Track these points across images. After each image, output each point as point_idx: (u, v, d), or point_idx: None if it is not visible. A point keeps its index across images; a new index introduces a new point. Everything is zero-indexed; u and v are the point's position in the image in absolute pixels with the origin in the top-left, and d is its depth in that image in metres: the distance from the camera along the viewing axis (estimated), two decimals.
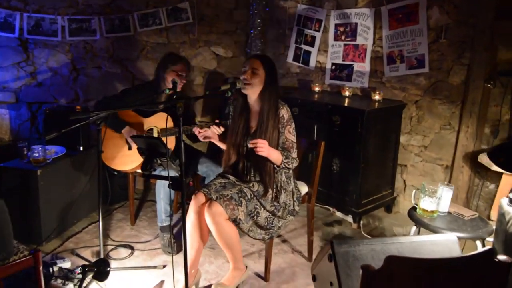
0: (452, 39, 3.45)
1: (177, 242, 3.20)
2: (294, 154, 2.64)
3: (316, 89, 4.22)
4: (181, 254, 3.10)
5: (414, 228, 2.26)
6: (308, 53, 4.53)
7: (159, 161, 2.31)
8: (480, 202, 3.42)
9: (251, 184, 2.64)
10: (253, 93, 2.62)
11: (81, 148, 3.53)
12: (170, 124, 3.18)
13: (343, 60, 4.22)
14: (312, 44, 4.48)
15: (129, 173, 3.42)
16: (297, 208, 2.76)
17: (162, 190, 3.08)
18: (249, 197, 2.56)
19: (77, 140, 3.51)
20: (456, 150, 3.43)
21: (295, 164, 2.64)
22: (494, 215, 2.48)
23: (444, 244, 1.67)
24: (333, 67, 4.30)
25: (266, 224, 2.61)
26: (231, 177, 2.73)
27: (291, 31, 4.68)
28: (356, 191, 3.56)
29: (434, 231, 2.19)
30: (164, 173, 2.79)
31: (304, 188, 2.95)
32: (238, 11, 4.85)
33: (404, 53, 3.73)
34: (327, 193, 3.75)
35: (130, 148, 3.17)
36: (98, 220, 2.74)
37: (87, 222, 3.60)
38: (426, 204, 2.21)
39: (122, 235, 3.41)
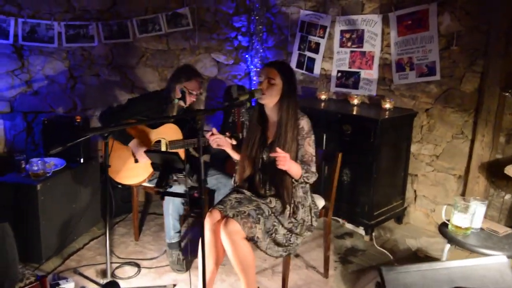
0: (464, 46, 3.38)
1: (186, 259, 3.05)
2: (313, 168, 2.51)
3: (323, 97, 4.12)
4: (191, 272, 2.96)
5: (448, 245, 2.15)
6: (312, 60, 4.42)
7: (174, 177, 2.17)
8: (495, 213, 3.34)
9: (268, 200, 2.50)
10: (270, 103, 2.48)
11: (82, 160, 3.36)
12: (179, 136, 3.04)
13: (349, 67, 4.12)
14: (316, 51, 4.38)
15: (134, 187, 3.25)
16: (314, 224, 2.63)
17: (170, 205, 2.93)
18: (267, 214, 2.43)
19: (77, 152, 3.33)
20: (471, 160, 3.35)
21: (314, 179, 2.51)
22: None
23: (496, 268, 1.57)
24: (339, 74, 4.20)
25: (284, 241, 2.48)
26: (246, 192, 2.59)
27: (294, 37, 4.58)
28: (368, 202, 3.46)
29: (470, 249, 2.09)
30: (179, 189, 2.67)
31: (320, 202, 2.83)
32: (238, 17, 4.74)
33: (414, 60, 3.65)
34: (337, 204, 3.62)
35: (136, 161, 3.01)
36: (105, 237, 2.58)
37: (88, 238, 3.43)
38: (459, 220, 2.11)
39: (127, 251, 3.25)
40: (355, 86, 4.08)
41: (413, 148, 3.74)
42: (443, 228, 2.22)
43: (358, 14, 3.99)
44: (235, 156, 2.66)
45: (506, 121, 3.24)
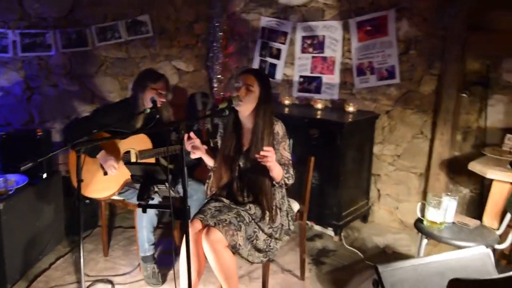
0: (421, 51, 3.56)
1: (161, 272, 2.98)
2: (292, 171, 2.55)
3: (286, 102, 4.18)
4: (166, 285, 2.91)
5: (425, 240, 2.25)
6: (273, 66, 4.48)
7: (155, 189, 2.13)
8: None
9: (247, 207, 2.50)
10: (246, 110, 2.49)
11: (45, 176, 3.20)
12: (148, 145, 2.97)
13: (311, 73, 4.21)
14: (277, 57, 4.44)
15: (102, 201, 3.15)
16: (292, 227, 2.67)
17: (144, 217, 2.86)
18: (247, 221, 2.43)
19: (39, 167, 3.17)
20: (431, 158, 3.52)
21: (292, 181, 2.54)
22: (486, 221, 2.54)
23: (478, 258, 1.66)
24: (301, 79, 4.29)
25: (264, 247, 2.49)
26: (224, 200, 2.58)
27: (255, 44, 4.62)
28: (336, 204, 3.54)
29: (446, 242, 2.20)
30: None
31: (295, 206, 2.87)
32: (198, 24, 4.73)
33: (374, 64, 3.80)
34: None
35: (105, 174, 2.92)
36: (79, 254, 2.45)
37: (54, 257, 3.27)
38: (433, 216, 2.22)
39: (97, 268, 3.13)
40: (318, 90, 4.18)
41: (376, 149, 3.88)
42: (418, 224, 2.32)
43: (319, 21, 4.10)
44: (210, 162, 2.63)
45: (462, 120, 3.44)
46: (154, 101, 2.89)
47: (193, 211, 3.06)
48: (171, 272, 3.09)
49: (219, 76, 4.83)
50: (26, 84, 3.72)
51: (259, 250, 2.47)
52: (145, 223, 2.87)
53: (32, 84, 3.75)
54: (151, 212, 2.86)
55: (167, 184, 2.07)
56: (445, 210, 2.21)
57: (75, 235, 3.58)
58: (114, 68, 4.20)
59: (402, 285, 1.54)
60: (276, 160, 2.50)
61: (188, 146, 2.48)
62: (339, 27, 3.97)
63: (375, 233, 3.76)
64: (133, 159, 2.96)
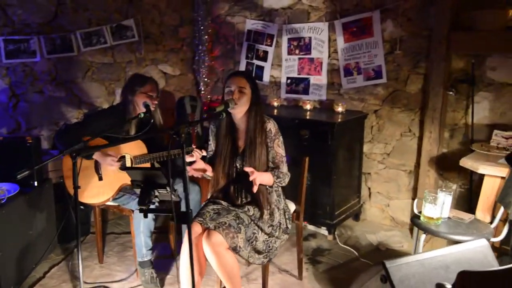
0: (407, 50, 3.63)
1: (159, 276, 2.96)
2: (285, 169, 2.57)
3: (275, 103, 4.20)
4: None
5: (423, 236, 2.30)
6: (260, 68, 4.51)
7: (156, 193, 2.12)
8: None
9: (246, 208, 2.52)
10: (240, 112, 2.51)
11: (36, 183, 3.14)
12: (143, 150, 2.96)
13: (298, 74, 4.25)
14: (264, 59, 4.47)
15: (96, 206, 3.11)
16: (289, 226, 2.69)
17: (142, 222, 2.84)
18: (246, 222, 2.44)
19: (30, 175, 3.10)
20: (420, 155, 3.59)
21: (287, 179, 2.57)
22: (479, 215, 2.61)
23: (479, 250, 1.71)
24: (289, 81, 4.32)
25: (264, 248, 2.50)
26: (222, 202, 2.58)
27: (240, 46, 4.63)
28: (329, 203, 3.58)
29: (444, 237, 2.26)
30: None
31: (292, 206, 2.89)
32: (183, 28, 4.72)
33: (361, 65, 3.86)
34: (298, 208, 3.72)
35: (101, 179, 2.89)
36: (74, 262, 2.43)
37: (48, 265, 3.22)
38: (430, 211, 2.27)
39: (93, 275, 3.09)
40: (306, 91, 4.22)
41: (365, 148, 3.94)
42: (415, 220, 2.36)
43: (305, 23, 4.14)
44: (209, 173, 2.61)
45: (448, 117, 3.52)
46: (147, 106, 2.87)
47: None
48: (169, 276, 3.08)
49: (206, 79, 4.83)
50: (12, 91, 3.64)
51: (258, 252, 2.49)
52: (142, 228, 2.85)
53: (18, 91, 3.68)
54: (149, 217, 2.83)
55: (168, 188, 2.06)
56: (441, 206, 2.27)
57: (68, 242, 3.54)
58: (100, 73, 4.16)
59: (409, 279, 1.58)
60: (271, 158, 2.54)
61: (192, 171, 2.47)
62: (325, 28, 4.02)
63: (368, 230, 3.82)
64: (128, 164, 2.94)
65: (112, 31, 4.14)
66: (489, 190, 2.61)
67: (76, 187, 2.36)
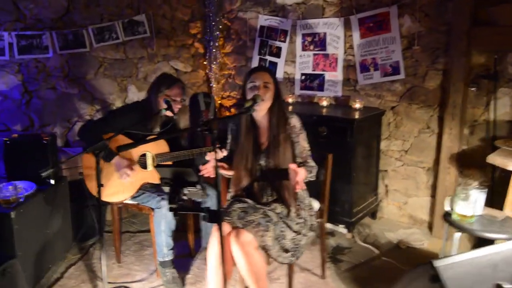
0: (425, 46, 3.58)
1: (180, 276, 2.91)
2: (312, 162, 2.52)
3: (290, 100, 4.15)
4: None
5: (459, 234, 2.26)
6: (274, 64, 4.45)
7: (185, 191, 2.06)
8: None
9: (273, 206, 2.46)
10: (263, 109, 2.45)
11: (52, 181, 3.08)
12: (165, 148, 2.90)
13: (313, 70, 4.20)
14: (278, 55, 4.41)
15: (114, 205, 3.05)
16: (314, 223, 2.63)
17: (163, 221, 2.78)
18: (275, 220, 2.39)
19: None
20: (439, 152, 3.55)
21: (315, 171, 2.51)
22: (508, 212, 2.57)
23: None
24: (303, 77, 4.27)
25: (292, 246, 2.45)
26: (249, 200, 2.53)
27: (253, 42, 4.58)
28: (348, 201, 3.54)
29: (480, 235, 2.22)
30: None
31: (316, 205, 2.84)
32: (194, 23, 4.66)
33: (377, 60, 3.81)
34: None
35: None
36: (101, 261, 2.37)
37: (64, 266, 3.16)
38: (463, 209, 2.23)
39: (112, 275, 3.03)
40: (321, 88, 4.17)
41: (382, 145, 3.89)
42: (448, 217, 2.32)
43: (319, 18, 4.08)
44: (230, 173, 2.56)
45: (468, 114, 3.48)
46: (167, 102, 2.81)
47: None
48: (189, 275, 3.03)
49: (217, 75, 4.78)
50: (24, 88, 3.58)
51: (286, 250, 2.44)
52: (163, 227, 2.79)
53: (31, 88, 3.61)
54: (170, 215, 2.78)
55: (198, 186, 2.01)
56: (474, 203, 2.23)
57: (83, 241, 3.48)
58: (113, 69, 4.09)
59: (460, 279, 1.53)
60: (298, 153, 2.49)
61: (206, 171, 2.41)
62: (340, 24, 3.96)
63: (386, 228, 3.78)
64: (149, 162, 2.88)
65: (124, 26, 4.08)
66: None
67: (99, 185, 2.30)
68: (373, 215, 3.96)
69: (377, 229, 3.78)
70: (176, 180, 2.04)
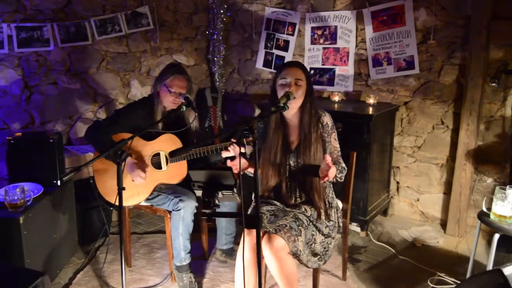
0: (441, 40, 3.52)
1: (196, 280, 2.79)
2: (343, 163, 2.43)
3: None
4: None
5: (497, 235, 2.19)
6: (281, 58, 4.33)
7: (220, 195, 1.95)
8: (478, 197, 3.54)
9: (302, 209, 2.36)
10: (295, 107, 2.33)
11: (59, 183, 2.92)
12: (178, 145, 2.76)
13: (322, 64, 4.10)
14: (285, 48, 4.29)
15: (126, 207, 2.91)
16: (341, 225, 2.55)
17: (181, 224, 2.65)
18: (306, 224, 2.29)
19: (52, 174, 2.89)
20: (455, 148, 3.49)
21: (344, 173, 2.42)
22: None
23: None
24: (312, 71, 4.16)
25: (321, 250, 2.36)
26: (277, 202, 2.42)
27: (259, 35, 4.45)
28: (363, 199, 3.47)
29: None
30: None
31: (340, 204, 2.75)
32: (197, 16, 4.51)
33: (391, 55, 3.73)
34: None
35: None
36: (121, 268, 2.23)
37: (71, 270, 3.01)
38: (501, 209, 2.16)
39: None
40: (331, 83, 4.07)
41: (395, 140, 3.82)
42: (484, 219, 2.26)
43: (330, 11, 3.98)
44: (251, 170, 2.44)
45: (485, 109, 3.43)
46: (187, 98, 2.67)
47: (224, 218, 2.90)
48: (206, 279, 2.92)
49: (221, 69, 4.64)
50: (24, 83, 3.38)
51: (315, 255, 2.35)
52: (181, 230, 2.66)
53: (31, 83, 3.42)
54: (189, 218, 2.66)
55: (235, 189, 1.90)
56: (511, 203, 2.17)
57: (88, 244, 3.34)
58: (115, 63, 3.92)
59: None
60: (328, 153, 2.39)
61: (234, 167, 2.29)
62: (352, 17, 3.87)
63: (398, 226, 3.72)
64: (163, 162, 2.75)
65: (127, 18, 3.90)
66: None
67: (120, 188, 2.16)
68: (384, 212, 3.90)
69: (390, 227, 3.72)
70: (211, 183, 1.92)
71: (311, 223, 2.32)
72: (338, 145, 2.44)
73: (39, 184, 2.81)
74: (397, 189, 3.93)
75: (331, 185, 2.52)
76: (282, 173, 2.42)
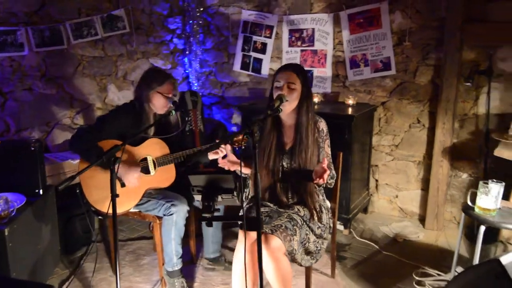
0: (416, 42, 3.64)
1: (188, 285, 2.78)
2: (333, 171, 2.48)
3: None
4: None
5: (483, 227, 2.29)
6: (259, 61, 4.36)
7: (219, 199, 1.95)
8: (454, 192, 3.69)
9: (295, 209, 2.39)
10: (288, 109, 2.36)
11: (41, 192, 2.83)
12: (165, 150, 2.74)
13: None
14: (263, 51, 4.33)
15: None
16: (331, 225, 2.60)
17: (173, 229, 2.62)
18: (300, 223, 2.33)
19: (34, 183, 2.80)
20: (432, 146, 3.62)
21: (333, 181, 2.48)
22: None
23: None
24: None
25: (314, 249, 2.41)
26: (270, 204, 2.44)
27: (235, 38, 4.46)
28: (346, 198, 3.54)
29: (505, 228, 2.27)
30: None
31: (328, 204, 2.79)
32: (173, 19, 4.47)
33: (368, 56, 3.82)
34: None
35: (123, 185, 2.64)
36: (116, 277, 2.19)
37: (56, 282, 2.92)
38: (486, 203, 2.27)
39: None
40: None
41: (373, 140, 3.93)
42: (470, 212, 2.35)
43: (307, 14, 4.04)
44: (245, 170, 2.46)
45: (459, 108, 3.58)
46: (174, 102, 2.65)
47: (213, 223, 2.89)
48: (196, 284, 2.90)
49: (197, 72, 4.62)
50: None
51: (308, 253, 2.39)
52: (173, 235, 2.64)
53: (5, 89, 3.30)
54: (180, 222, 2.64)
55: (235, 193, 1.90)
56: (495, 197, 2.27)
57: (71, 253, 3.25)
58: (92, 68, 3.84)
59: None
60: (321, 159, 2.42)
61: (225, 165, 2.30)
62: (329, 20, 3.94)
63: (380, 223, 3.82)
64: (151, 166, 2.71)
65: (103, 21, 3.83)
66: None
67: (114, 196, 2.13)
68: (365, 210, 4.00)
69: (371, 224, 3.82)
70: (210, 187, 1.91)
71: (304, 223, 2.36)
72: (330, 152, 2.48)
73: (21, 194, 2.71)
74: (376, 187, 4.03)
75: (322, 189, 2.56)
76: (275, 173, 2.44)
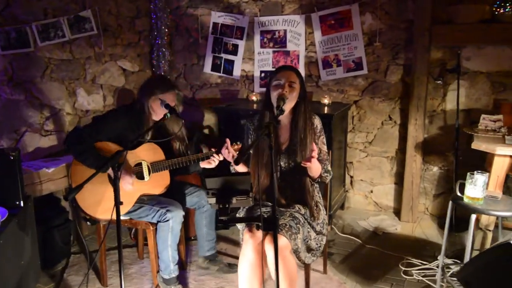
0: (385, 42, 3.79)
1: None
2: (329, 166, 2.53)
3: (254, 98, 4.10)
4: None
5: (474, 216, 2.42)
6: (230, 62, 4.35)
7: (234, 201, 1.93)
8: (427, 184, 3.88)
9: (296, 208, 2.42)
10: (287, 108, 2.39)
11: (22, 204, 2.65)
12: (160, 156, 2.67)
13: (273, 67, 4.19)
14: (234, 52, 4.32)
15: (101, 222, 2.73)
16: (327, 222, 2.65)
17: (169, 235, 2.56)
18: (302, 221, 2.36)
19: (15, 194, 2.62)
20: (405, 141, 3.79)
21: (330, 178, 2.53)
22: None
23: None
24: (262, 74, 4.24)
25: (316, 245, 2.45)
26: (270, 204, 2.45)
27: (205, 39, 4.42)
28: (328, 195, 3.61)
29: (494, 215, 2.42)
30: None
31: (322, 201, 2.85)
32: (140, 20, 4.36)
33: (340, 57, 3.93)
34: None
35: None
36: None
37: None
38: (473, 192, 2.40)
39: None
40: None
41: (348, 137, 4.04)
42: (459, 202, 2.48)
43: (278, 15, 4.08)
44: (242, 169, 2.47)
45: (428, 105, 3.77)
46: (167, 105, 2.59)
47: (205, 223, 2.87)
48: None
49: (166, 75, 4.52)
50: None
51: (310, 250, 2.43)
52: (170, 241, 2.58)
53: None
54: (177, 228, 2.58)
55: (251, 194, 1.89)
56: (482, 186, 2.42)
57: (51, 267, 3.08)
58: (60, 71, 3.65)
59: None
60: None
61: (229, 157, 2.31)
62: (301, 21, 4.01)
63: (357, 217, 3.94)
64: (145, 172, 2.64)
65: (70, 23, 3.65)
66: (499, 169, 2.86)
67: (118, 203, 2.05)
68: (342, 206, 4.10)
69: (349, 219, 3.93)
70: (226, 189, 1.89)
71: (305, 221, 2.39)
72: (325, 148, 2.53)
73: (2, 208, 2.53)
74: (351, 183, 4.15)
75: (317, 186, 2.61)
76: (273, 173, 2.45)
